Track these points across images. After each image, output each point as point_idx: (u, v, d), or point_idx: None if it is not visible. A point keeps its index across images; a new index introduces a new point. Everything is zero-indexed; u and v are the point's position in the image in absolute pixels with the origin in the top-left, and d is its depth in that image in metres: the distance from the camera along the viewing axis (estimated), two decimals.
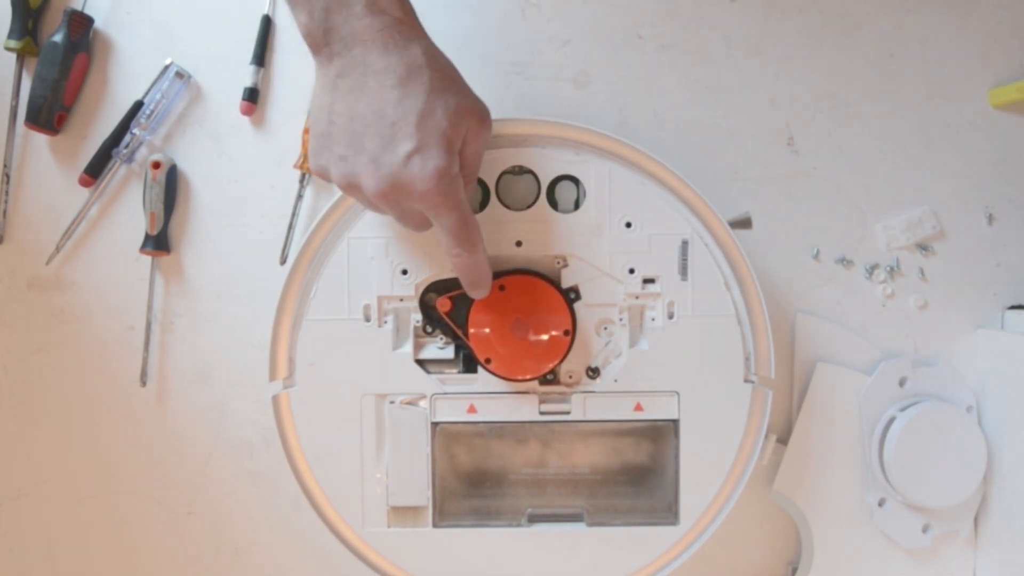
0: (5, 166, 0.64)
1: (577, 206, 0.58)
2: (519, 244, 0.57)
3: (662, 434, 0.59)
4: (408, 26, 0.47)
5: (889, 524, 0.62)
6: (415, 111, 0.46)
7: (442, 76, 0.47)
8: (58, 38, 0.62)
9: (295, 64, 0.64)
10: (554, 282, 0.57)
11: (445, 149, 0.46)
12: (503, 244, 0.57)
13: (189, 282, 0.64)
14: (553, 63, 0.64)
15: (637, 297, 0.58)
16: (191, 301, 0.64)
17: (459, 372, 0.58)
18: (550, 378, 0.58)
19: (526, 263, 0.58)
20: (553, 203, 0.58)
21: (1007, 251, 0.64)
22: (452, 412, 0.58)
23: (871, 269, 0.64)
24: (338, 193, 0.57)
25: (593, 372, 0.58)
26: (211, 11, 0.64)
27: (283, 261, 0.64)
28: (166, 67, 0.63)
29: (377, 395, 0.57)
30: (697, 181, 0.58)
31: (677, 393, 0.57)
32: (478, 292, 0.53)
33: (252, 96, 0.63)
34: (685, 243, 0.57)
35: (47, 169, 0.64)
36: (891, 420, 0.61)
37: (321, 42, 0.47)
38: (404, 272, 0.57)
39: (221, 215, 0.64)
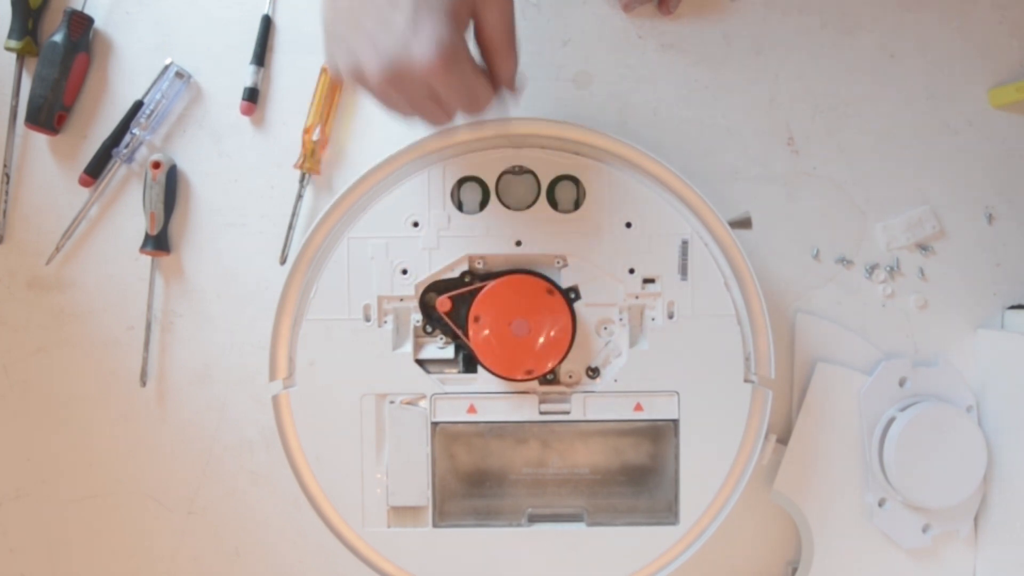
0: (5, 166, 0.64)
1: (577, 206, 0.58)
2: (519, 244, 0.57)
3: (662, 434, 0.59)
4: None
5: (889, 524, 0.62)
6: None
7: None
8: (58, 38, 0.62)
9: (295, 64, 0.64)
10: (554, 282, 0.57)
11: (446, 18, 0.42)
12: (503, 244, 0.57)
13: (189, 282, 0.64)
14: (553, 63, 0.64)
15: (637, 297, 0.58)
16: (191, 301, 0.64)
17: (459, 372, 0.58)
18: (550, 378, 0.58)
19: (526, 263, 0.58)
20: (553, 203, 0.58)
21: (1007, 251, 0.64)
22: (452, 412, 0.58)
23: (871, 269, 0.64)
24: (338, 193, 0.57)
25: (593, 372, 0.58)
26: (211, 11, 0.64)
27: (283, 261, 0.64)
28: (166, 67, 0.63)
29: (377, 395, 0.57)
30: (697, 181, 0.58)
31: (677, 393, 0.58)
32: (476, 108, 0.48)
33: (252, 96, 0.63)
34: (685, 243, 0.57)
35: (47, 169, 0.64)
36: (891, 420, 0.61)
37: None
38: (404, 272, 0.57)
39: (221, 215, 0.64)
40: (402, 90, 0.44)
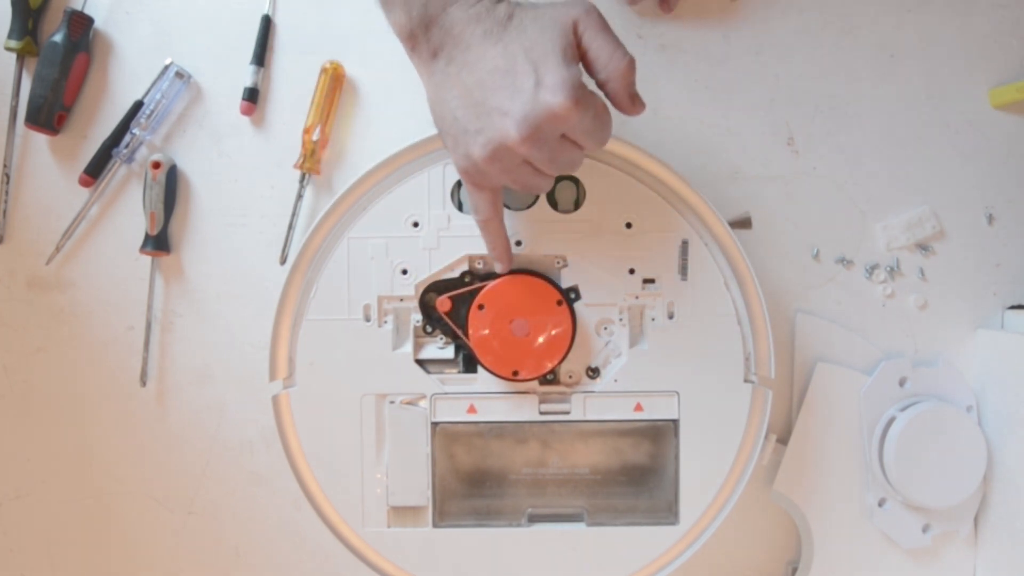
0: (5, 166, 0.64)
1: (577, 206, 0.58)
2: (519, 244, 0.57)
3: (662, 434, 0.59)
4: None
5: (889, 524, 0.62)
6: (522, 49, 0.46)
7: (531, 10, 0.48)
8: (58, 38, 0.62)
9: (295, 64, 0.64)
10: (554, 282, 0.57)
11: (562, 59, 0.46)
12: None
13: (189, 282, 0.64)
14: None
15: (637, 297, 0.58)
16: (191, 301, 0.64)
17: (459, 372, 0.58)
18: (550, 378, 0.58)
19: (526, 263, 0.58)
20: (553, 203, 0.58)
21: (1007, 251, 0.64)
22: (452, 412, 0.58)
23: (871, 269, 0.64)
24: (338, 193, 0.57)
25: (593, 372, 0.58)
26: (211, 11, 0.64)
27: (283, 261, 0.64)
28: (166, 67, 0.63)
29: (377, 395, 0.57)
30: (697, 181, 0.58)
31: (677, 393, 0.58)
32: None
33: (252, 96, 0.63)
34: (685, 243, 0.57)
35: (47, 169, 0.64)
36: (891, 420, 0.61)
37: (422, 37, 0.48)
38: (404, 272, 0.57)
39: (221, 215, 0.64)
40: (542, 146, 0.47)
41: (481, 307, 0.56)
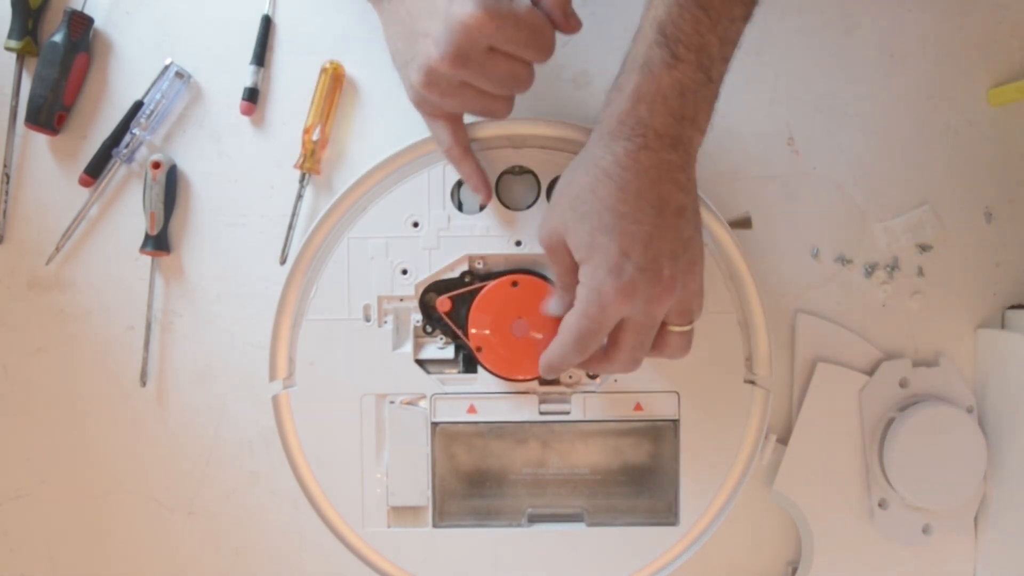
0: (5, 166, 0.64)
1: None
2: (519, 244, 0.57)
3: (662, 434, 0.59)
4: None
5: (889, 524, 0.62)
6: None
7: None
8: (58, 38, 0.62)
9: (295, 64, 0.64)
10: (554, 282, 0.57)
11: None
12: (503, 244, 0.57)
13: (189, 282, 0.64)
14: (553, 63, 0.64)
15: None
16: (191, 301, 0.64)
17: (459, 372, 0.58)
18: (550, 378, 0.58)
19: (526, 263, 0.58)
20: None
21: (1007, 251, 0.64)
22: (452, 412, 0.58)
23: (871, 269, 0.64)
24: (338, 193, 0.57)
25: (593, 372, 0.58)
26: (211, 11, 0.64)
27: (283, 261, 0.64)
28: (166, 67, 0.63)
29: (377, 395, 0.58)
30: (697, 181, 0.58)
31: (677, 393, 0.58)
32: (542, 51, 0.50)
33: (252, 96, 0.63)
34: None
35: (47, 169, 0.64)
36: (891, 420, 0.61)
37: None
38: (404, 272, 0.57)
39: (221, 215, 0.64)
40: (471, 64, 0.46)
41: (488, 295, 0.56)
